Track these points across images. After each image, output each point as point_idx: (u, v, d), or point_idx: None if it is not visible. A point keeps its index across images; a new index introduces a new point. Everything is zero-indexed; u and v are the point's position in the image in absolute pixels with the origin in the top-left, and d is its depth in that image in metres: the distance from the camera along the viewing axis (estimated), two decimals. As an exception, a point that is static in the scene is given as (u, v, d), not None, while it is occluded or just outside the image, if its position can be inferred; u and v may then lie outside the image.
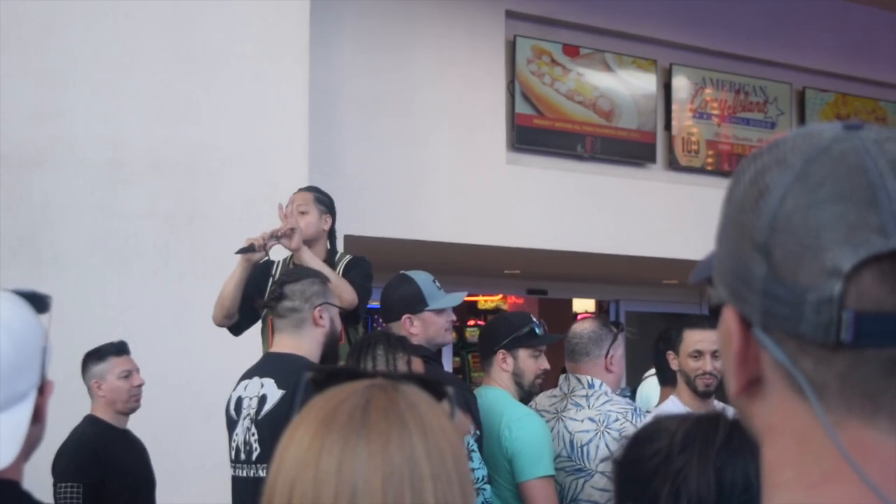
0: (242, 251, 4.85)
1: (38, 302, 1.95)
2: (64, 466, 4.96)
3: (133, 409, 5.35)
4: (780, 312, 0.90)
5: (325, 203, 5.29)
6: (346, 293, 4.66)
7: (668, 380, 5.42)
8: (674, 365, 4.96)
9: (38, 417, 1.86)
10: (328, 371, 1.39)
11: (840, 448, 0.88)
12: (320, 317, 4.02)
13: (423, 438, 1.26)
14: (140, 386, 5.35)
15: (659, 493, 1.83)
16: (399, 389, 1.33)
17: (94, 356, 5.32)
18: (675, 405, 4.75)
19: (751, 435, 1.87)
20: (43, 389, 1.89)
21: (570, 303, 12.68)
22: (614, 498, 1.98)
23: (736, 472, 1.82)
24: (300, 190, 5.42)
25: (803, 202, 0.90)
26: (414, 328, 4.46)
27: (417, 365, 3.98)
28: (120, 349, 5.36)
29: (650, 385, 6.95)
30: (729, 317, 0.97)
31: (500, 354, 4.52)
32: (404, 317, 4.52)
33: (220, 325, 5.03)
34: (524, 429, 4.30)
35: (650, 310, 13.14)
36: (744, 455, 1.83)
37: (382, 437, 1.25)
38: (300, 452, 1.26)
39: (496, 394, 4.47)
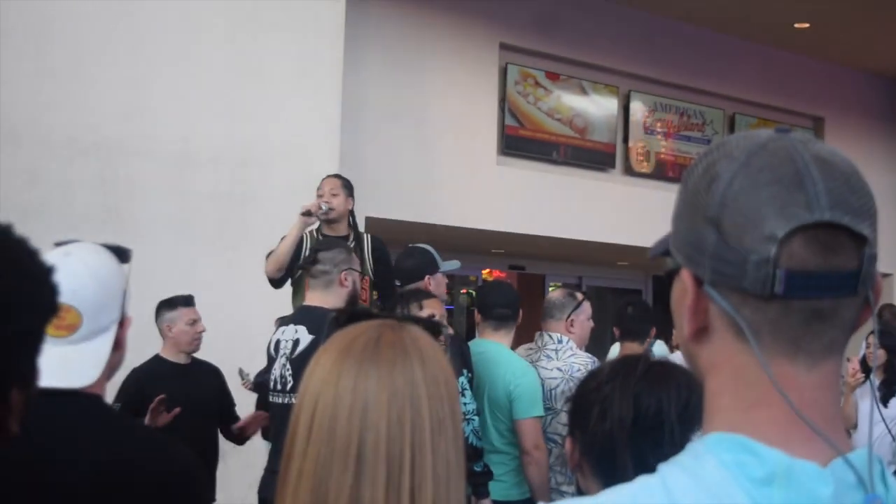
0: (304, 214, 4.86)
1: (121, 253, 1.94)
2: (122, 387, 4.97)
3: (195, 350, 5.34)
4: (726, 271, 0.93)
5: (349, 187, 5.28)
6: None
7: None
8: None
9: (118, 346, 1.86)
10: (349, 312, 1.40)
11: (771, 377, 0.92)
12: (345, 279, 4.03)
13: (422, 366, 1.29)
14: (202, 332, 5.34)
15: (591, 416, 1.85)
16: (405, 328, 1.35)
17: (167, 305, 5.31)
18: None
19: (666, 372, 1.89)
20: (122, 324, 1.88)
21: (542, 277, 12.68)
22: (567, 428, 1.99)
23: (650, 399, 1.83)
24: (329, 176, 5.39)
25: (747, 185, 0.93)
26: (431, 286, 4.48)
27: (436, 305, 4.01)
28: (188, 301, 5.34)
29: (659, 345, 7.07)
30: (685, 277, 0.99)
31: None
32: (427, 277, 4.53)
33: (271, 277, 5.04)
34: (525, 377, 4.31)
35: (607, 285, 13.17)
36: (658, 386, 1.84)
37: (389, 364, 1.27)
38: (323, 374, 1.29)
39: (497, 347, 4.46)
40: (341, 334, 1.33)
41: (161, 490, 1.69)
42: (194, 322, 5.31)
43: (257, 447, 5.58)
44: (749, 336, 0.92)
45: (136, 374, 5.10)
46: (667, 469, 0.95)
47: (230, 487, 5.77)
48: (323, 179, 5.31)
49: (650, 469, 0.99)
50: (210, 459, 5.32)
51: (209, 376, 5.43)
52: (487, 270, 12.48)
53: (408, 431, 1.24)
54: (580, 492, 1.90)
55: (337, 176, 5.42)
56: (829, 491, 0.88)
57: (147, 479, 1.70)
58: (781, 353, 0.93)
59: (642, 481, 0.95)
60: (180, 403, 4.85)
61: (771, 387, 0.92)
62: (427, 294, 4.14)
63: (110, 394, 4.41)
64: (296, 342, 3.90)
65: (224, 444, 5.68)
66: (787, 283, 0.89)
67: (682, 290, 1.00)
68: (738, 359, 0.95)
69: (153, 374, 5.16)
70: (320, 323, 3.84)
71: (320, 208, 4.99)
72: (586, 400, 1.91)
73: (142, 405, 4.87)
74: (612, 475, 1.82)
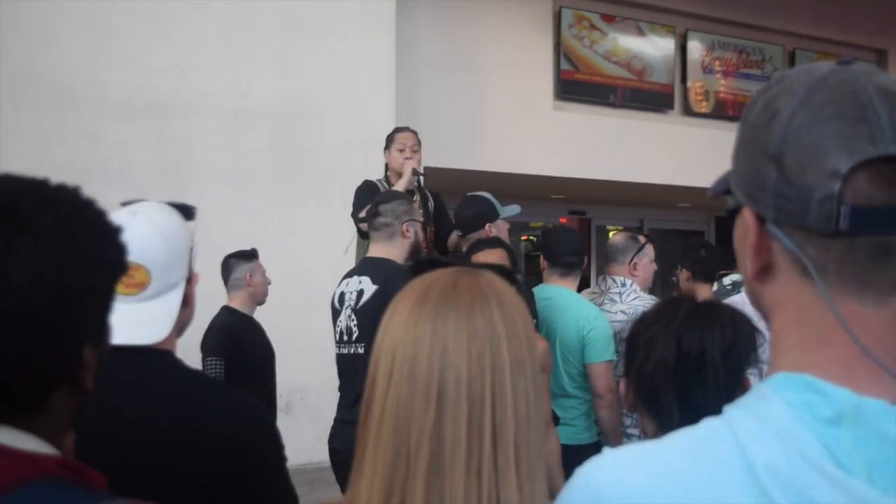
0: (417, 174, 4.91)
1: (186, 211, 1.95)
2: (211, 344, 5.01)
3: (264, 302, 5.41)
4: (789, 209, 0.92)
5: (419, 142, 5.25)
6: None
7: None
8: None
9: (187, 302, 1.87)
10: (425, 260, 1.40)
11: (837, 315, 0.90)
12: (407, 230, 4.03)
13: (500, 308, 1.28)
14: (269, 283, 5.41)
15: (636, 356, 1.90)
16: (480, 273, 1.35)
17: (241, 256, 5.36)
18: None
19: (710, 313, 1.88)
20: (190, 280, 1.89)
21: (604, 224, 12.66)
22: (623, 369, 2.02)
23: (692, 340, 1.84)
24: (406, 130, 5.24)
25: (808, 119, 0.91)
26: (493, 233, 4.47)
27: (500, 255, 4.00)
28: (257, 254, 5.40)
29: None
30: (747, 216, 0.98)
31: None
32: (487, 225, 4.52)
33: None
34: (598, 321, 4.30)
35: (668, 227, 13.09)
36: (701, 327, 1.86)
37: (467, 306, 1.27)
38: (402, 319, 1.28)
39: (567, 293, 4.45)
40: (417, 281, 1.34)
41: (236, 445, 1.70)
42: (264, 273, 5.38)
43: (325, 399, 5.65)
44: (814, 274, 0.91)
45: (229, 328, 5.14)
46: (733, 411, 0.94)
47: (298, 439, 5.85)
48: (399, 133, 5.19)
49: (696, 409, 0.98)
50: (273, 408, 5.41)
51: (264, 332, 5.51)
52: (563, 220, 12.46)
53: (488, 370, 1.24)
54: (645, 433, 1.92)
55: (412, 130, 5.35)
56: None
57: (222, 433, 1.70)
58: (847, 291, 0.91)
59: (708, 424, 0.95)
60: (263, 354, 4.92)
61: (837, 325, 0.90)
62: (493, 243, 4.13)
63: (192, 350, 4.49)
64: (360, 293, 3.92)
65: (292, 396, 5.77)
66: (851, 220, 0.87)
67: (745, 228, 0.98)
68: (803, 297, 0.94)
69: (239, 326, 5.22)
70: (384, 273, 3.86)
71: (416, 173, 4.98)
72: (634, 342, 1.94)
73: (238, 360, 4.95)
74: (659, 415, 1.87)
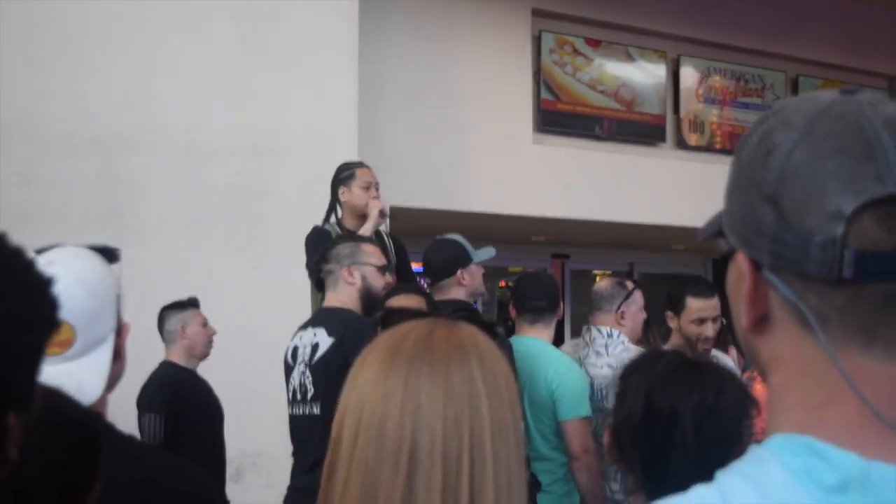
0: (381, 215, 4.98)
1: (109, 254, 1.95)
2: (149, 400, 5.03)
3: (206, 355, 5.42)
4: (787, 254, 0.91)
5: None
6: None
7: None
8: (672, 324, 4.89)
9: (117, 356, 1.87)
10: (396, 310, 1.43)
11: (842, 371, 0.89)
12: (350, 274, 4.06)
13: (480, 363, 1.28)
14: (214, 334, 5.43)
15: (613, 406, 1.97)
16: (459, 325, 1.34)
17: (176, 307, 5.39)
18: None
19: (693, 372, 1.92)
20: (120, 331, 1.89)
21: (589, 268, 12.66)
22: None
23: (664, 399, 1.87)
24: (361, 165, 5.32)
25: (808, 156, 0.91)
26: (465, 280, 4.50)
27: (417, 301, 4.03)
28: (195, 302, 5.43)
29: None
30: (741, 261, 0.97)
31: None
32: (459, 270, 4.53)
33: None
34: (568, 374, 4.32)
35: (660, 271, 13.10)
36: (677, 387, 1.89)
37: (444, 360, 1.26)
38: (371, 374, 1.28)
39: (536, 343, 4.49)
40: (388, 334, 1.32)
41: None
42: (206, 323, 5.40)
43: (280, 465, 5.67)
44: (815, 325, 0.90)
45: (170, 382, 5.17)
46: (725, 477, 0.93)
47: (253, 510, 5.86)
48: (360, 168, 5.25)
49: (662, 472, 0.99)
50: (221, 474, 5.43)
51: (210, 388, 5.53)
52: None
53: (466, 433, 1.22)
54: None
55: (367, 165, 5.39)
56: None
57: (166, 500, 1.71)
58: (853, 344, 0.90)
59: (697, 491, 0.93)
60: (209, 413, 4.95)
61: (842, 382, 0.89)
62: (410, 288, 4.21)
63: (125, 405, 4.51)
64: (315, 346, 3.92)
65: (243, 461, 5.78)
66: (857, 266, 0.87)
67: (739, 275, 0.98)
68: (803, 351, 0.93)
69: (181, 380, 5.25)
70: (340, 324, 3.87)
71: (384, 215, 5.06)
72: (617, 392, 2.01)
73: (179, 417, 4.97)
74: (626, 471, 1.94)
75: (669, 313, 4.85)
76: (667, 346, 4.90)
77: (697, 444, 1.81)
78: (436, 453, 1.21)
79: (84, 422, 1.36)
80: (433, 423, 1.22)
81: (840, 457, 0.87)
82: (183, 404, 5.08)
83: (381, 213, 4.97)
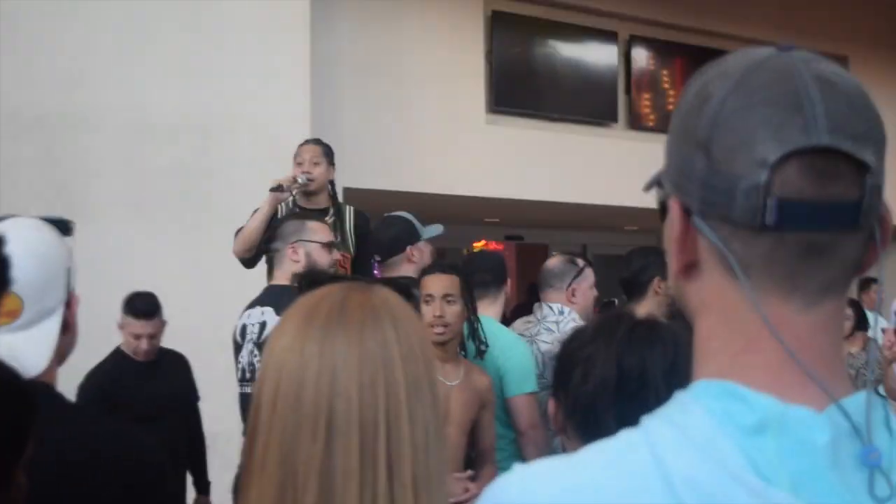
0: (274, 189, 4.86)
1: (63, 226, 1.96)
2: (80, 391, 4.96)
3: (144, 359, 5.32)
4: (715, 200, 0.93)
5: (330, 155, 5.27)
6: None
7: None
8: (659, 289, 4.77)
9: (67, 328, 1.86)
10: (310, 276, 1.41)
11: (763, 318, 0.91)
12: (294, 252, 4.06)
13: (394, 326, 1.30)
14: (144, 350, 5.27)
15: (573, 377, 1.93)
16: (373, 289, 1.37)
17: (125, 304, 5.27)
18: None
19: (650, 331, 1.93)
20: (70, 303, 1.88)
21: (545, 247, 12.69)
22: (552, 389, 2.05)
23: (633, 359, 1.89)
24: (308, 143, 5.36)
25: (740, 104, 0.93)
26: (415, 257, 4.50)
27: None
28: (140, 313, 5.25)
29: None
30: (673, 207, 0.99)
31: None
32: (408, 248, 4.53)
33: (239, 257, 5.02)
34: (513, 349, 4.29)
35: (615, 253, 13.15)
36: (642, 346, 1.91)
37: (358, 325, 1.28)
38: (287, 341, 1.29)
39: (487, 321, 4.46)
40: (304, 299, 1.35)
41: (126, 483, 1.70)
42: (138, 337, 5.26)
43: (236, 445, 5.60)
44: (738, 272, 0.92)
45: (96, 375, 5.10)
46: (651, 422, 0.96)
47: (211, 491, 5.81)
48: (301, 146, 5.29)
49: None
50: (181, 460, 5.35)
51: (177, 366, 5.45)
52: (482, 242, 12.50)
53: (381, 396, 1.24)
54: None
55: (317, 142, 5.37)
56: (825, 438, 0.87)
57: (111, 470, 1.70)
58: (775, 292, 0.92)
59: (625, 436, 0.96)
60: (144, 406, 4.88)
61: (763, 328, 0.92)
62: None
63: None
64: (262, 325, 3.93)
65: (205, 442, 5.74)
66: (778, 213, 0.89)
67: (671, 220, 1.00)
68: (728, 298, 0.95)
69: (114, 373, 5.16)
70: (288, 302, 3.85)
71: (296, 181, 4.98)
72: (570, 360, 1.97)
73: (114, 409, 4.89)
74: (596, 437, 1.89)
75: (658, 278, 4.75)
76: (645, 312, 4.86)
77: (667, 398, 1.81)
78: (352, 418, 1.23)
79: (14, 383, 1.35)
80: (349, 387, 1.24)
81: (759, 400, 0.90)
82: (115, 397, 5.01)
83: (276, 188, 4.90)
